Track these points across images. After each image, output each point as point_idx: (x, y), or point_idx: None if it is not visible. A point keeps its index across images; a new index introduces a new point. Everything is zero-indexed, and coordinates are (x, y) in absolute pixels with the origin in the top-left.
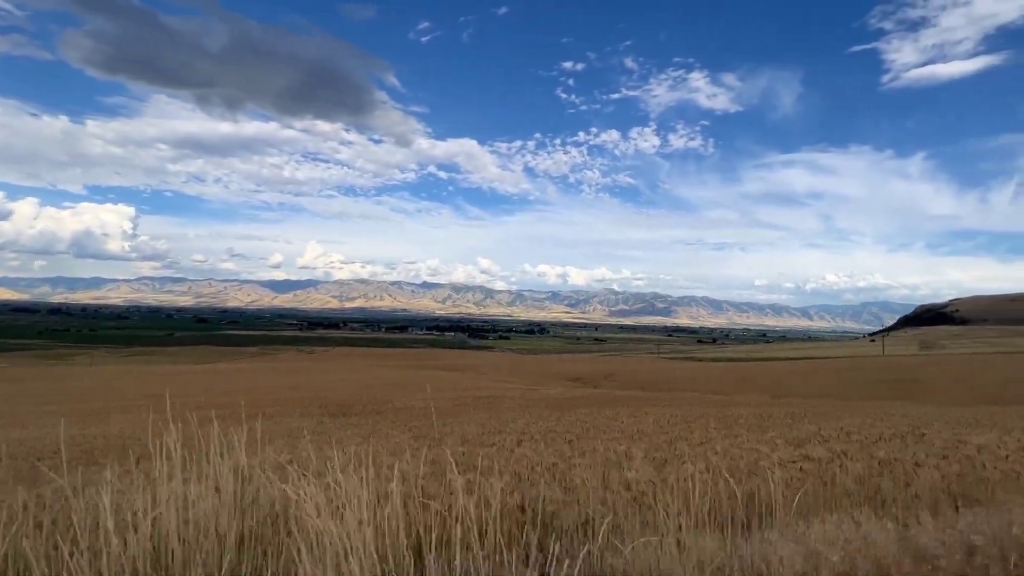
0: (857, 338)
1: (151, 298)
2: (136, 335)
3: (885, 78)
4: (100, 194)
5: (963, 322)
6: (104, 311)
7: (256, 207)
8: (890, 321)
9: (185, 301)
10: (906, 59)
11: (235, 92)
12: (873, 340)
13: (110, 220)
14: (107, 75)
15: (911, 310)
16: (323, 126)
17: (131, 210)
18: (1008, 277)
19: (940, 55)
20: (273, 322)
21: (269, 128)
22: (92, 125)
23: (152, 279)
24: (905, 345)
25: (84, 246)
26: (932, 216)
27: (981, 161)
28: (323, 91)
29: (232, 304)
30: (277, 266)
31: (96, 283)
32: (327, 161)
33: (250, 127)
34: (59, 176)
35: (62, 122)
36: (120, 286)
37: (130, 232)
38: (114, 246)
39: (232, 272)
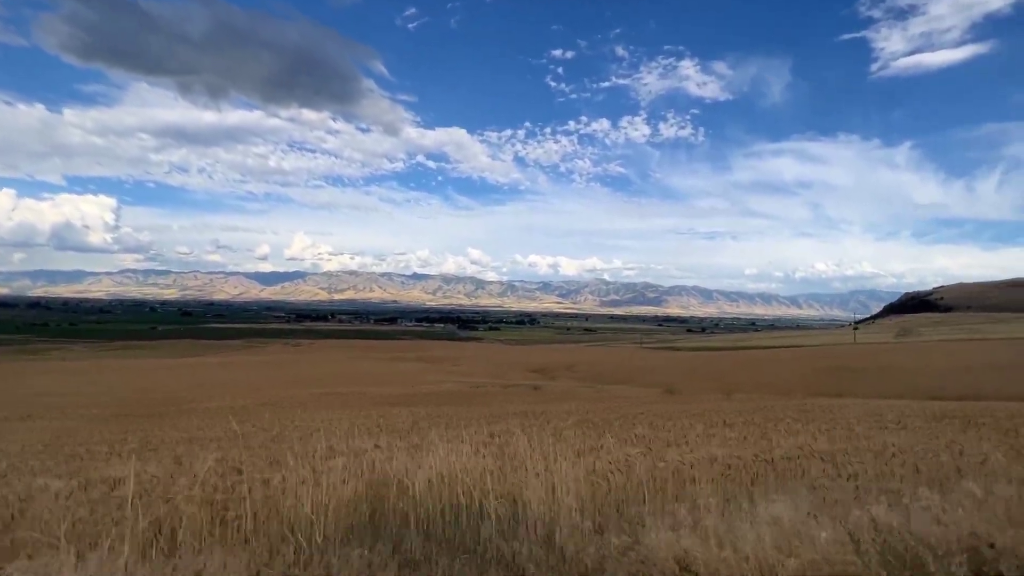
0: (843, 326)
1: (135, 291)
2: (118, 329)
3: (874, 67)
4: (80, 185)
5: (947, 309)
6: (86, 305)
7: (242, 198)
8: (877, 309)
9: (170, 294)
10: (894, 48)
11: (218, 80)
12: (857, 328)
13: (91, 212)
14: (84, 62)
15: (897, 298)
16: (309, 115)
17: (113, 201)
18: (992, 264)
19: (928, 44)
20: (260, 315)
21: (254, 117)
22: (70, 114)
23: (135, 272)
24: (884, 333)
25: (65, 238)
26: (919, 205)
27: (967, 150)
28: (308, 79)
29: (219, 297)
30: (264, 258)
31: (78, 276)
32: (314, 151)
33: (234, 116)
34: (37, 167)
35: (39, 111)
36: (103, 279)
37: (112, 224)
38: (96, 238)
39: (218, 264)
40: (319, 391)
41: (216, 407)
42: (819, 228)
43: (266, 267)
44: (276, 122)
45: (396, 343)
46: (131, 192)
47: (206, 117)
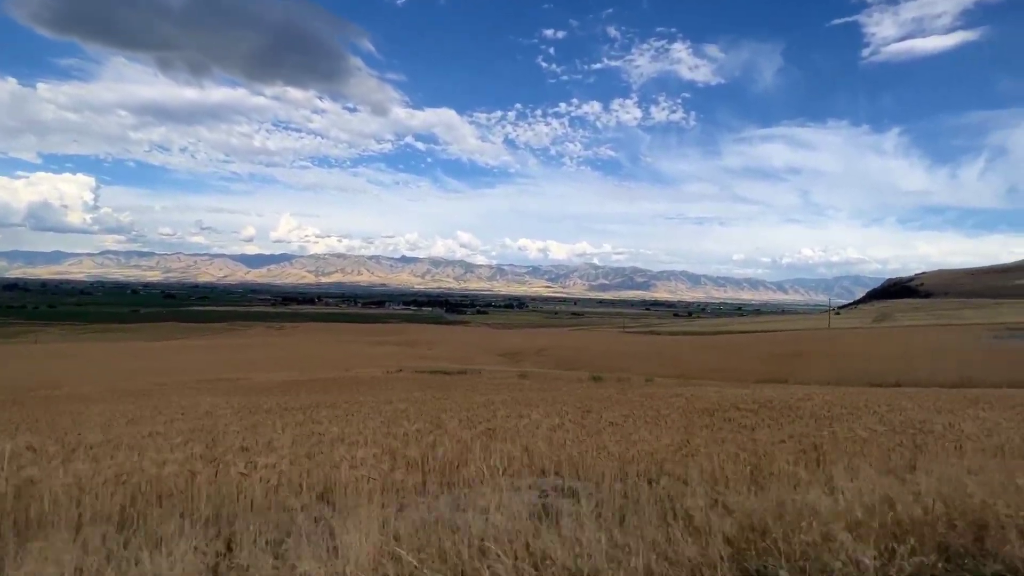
0: (826, 311)
1: (117, 273)
2: (98, 312)
3: (865, 52)
4: (57, 163)
5: (927, 295)
6: (65, 286)
7: (226, 178)
8: (860, 294)
9: (153, 276)
10: (886, 33)
11: (200, 56)
12: (838, 313)
13: (69, 191)
14: (59, 35)
15: (880, 284)
16: (295, 93)
17: (91, 180)
18: (973, 251)
19: (919, 29)
20: (245, 297)
21: (237, 95)
22: (44, 88)
23: (117, 253)
24: (862, 318)
25: (42, 218)
26: (904, 191)
27: (953, 137)
28: (294, 56)
29: (203, 279)
30: (250, 240)
31: (57, 257)
32: (299, 130)
33: (217, 93)
34: (10, 143)
35: (10, 84)
36: (83, 260)
37: (91, 203)
38: (75, 218)
39: (202, 246)
40: (226, 376)
41: (65, 394)
42: (807, 214)
43: (252, 249)
44: (261, 100)
45: (380, 327)
46: (110, 171)
47: (187, 94)
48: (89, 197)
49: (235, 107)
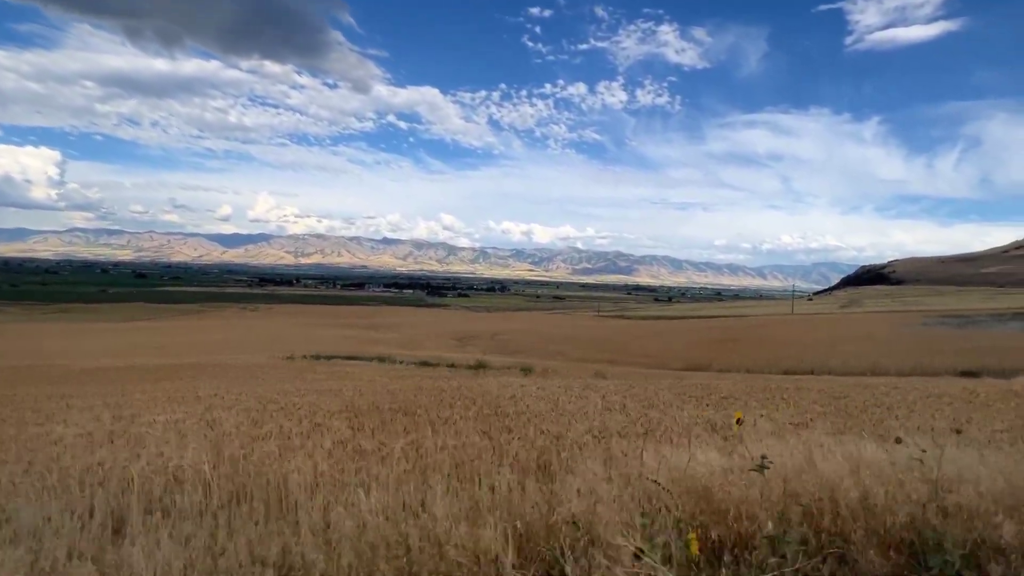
0: (801, 297)
1: (85, 251)
2: (65, 291)
3: (848, 40)
4: (19, 135)
5: (898, 282)
6: (30, 265)
7: (200, 154)
8: (836, 280)
9: (124, 255)
10: (869, 20)
11: (170, 25)
12: (811, 299)
13: (32, 164)
14: None
15: (855, 270)
16: (272, 67)
17: (56, 154)
18: (945, 240)
19: (901, 18)
20: (221, 278)
21: (211, 67)
22: (3, 56)
23: (86, 231)
24: (830, 304)
25: (4, 193)
26: (882, 180)
27: (930, 127)
28: (271, 28)
29: (177, 259)
30: (226, 219)
31: (20, 234)
32: (277, 106)
33: (189, 65)
34: None
35: None
36: (49, 238)
37: (57, 179)
38: (39, 194)
39: (176, 224)
40: (146, 361)
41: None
42: (787, 201)
43: (228, 228)
44: (236, 74)
45: (353, 308)
46: (77, 145)
47: (158, 66)
48: (54, 172)
49: (209, 80)
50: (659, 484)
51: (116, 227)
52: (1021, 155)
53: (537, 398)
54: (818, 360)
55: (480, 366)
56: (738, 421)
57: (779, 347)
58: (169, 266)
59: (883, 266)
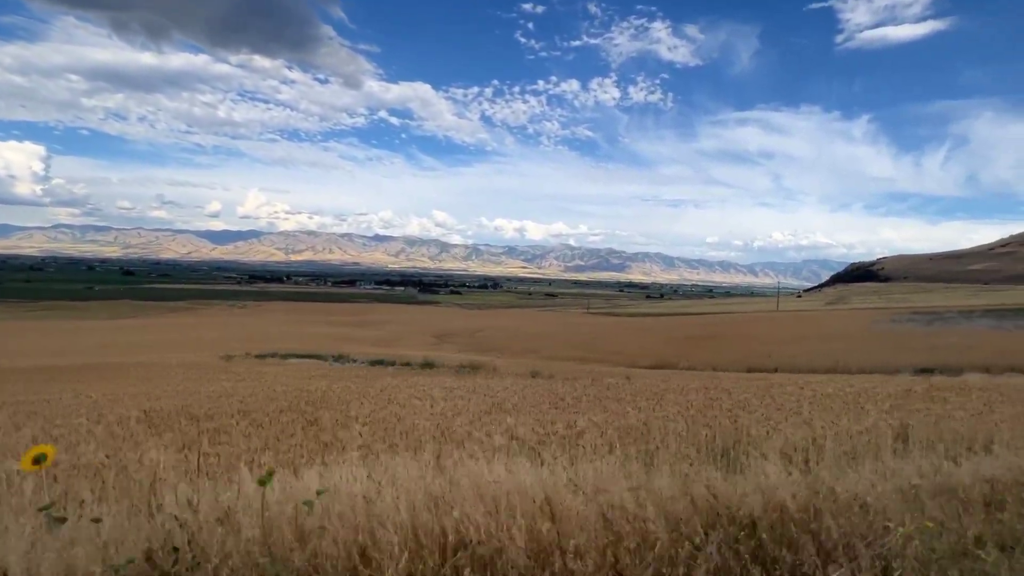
0: (790, 294)
1: (71, 248)
2: (50, 289)
3: (839, 38)
4: (2, 129)
5: (886, 279)
6: (14, 262)
7: (188, 150)
8: (826, 278)
9: (111, 252)
10: (860, 19)
11: (158, 18)
12: (800, 296)
13: (16, 160)
14: None
15: (845, 267)
16: (262, 62)
17: (41, 149)
18: (933, 238)
19: (891, 17)
20: (210, 275)
21: (199, 61)
22: None
23: (72, 227)
24: (817, 301)
25: None
26: (872, 178)
27: (918, 126)
28: (261, 21)
29: (166, 256)
30: (215, 215)
31: (4, 230)
32: (267, 101)
33: (177, 59)
34: None
35: None
36: (34, 234)
37: (41, 174)
38: (23, 189)
39: (164, 221)
40: (85, 360)
41: None
42: (778, 198)
43: (217, 225)
44: (225, 68)
45: (342, 306)
46: (62, 140)
47: (144, 59)
48: (39, 167)
49: (197, 75)
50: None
51: (103, 223)
52: (1007, 154)
53: (400, 404)
54: (785, 357)
55: (428, 365)
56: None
57: (751, 344)
58: (157, 263)
59: (872, 263)
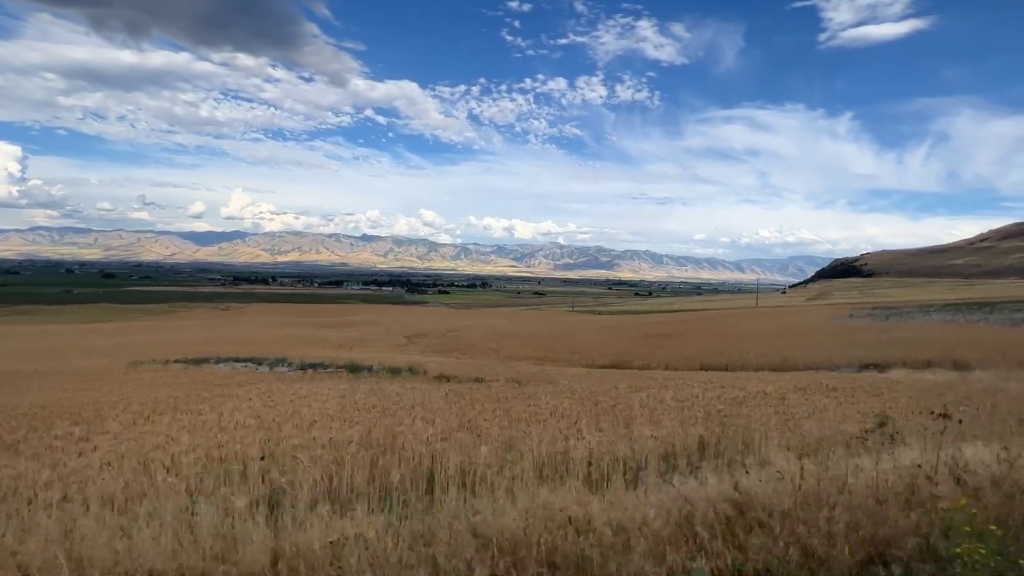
0: (775, 290)
1: (49, 251)
2: (27, 292)
3: (822, 37)
4: None
5: (869, 275)
6: None
7: (170, 150)
8: (812, 274)
9: (91, 254)
10: (842, 18)
11: (137, 15)
12: (784, 292)
13: None
14: None
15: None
16: (245, 60)
17: (17, 149)
18: (915, 233)
19: (872, 16)
20: (193, 277)
21: (180, 59)
22: None
23: (50, 229)
24: (799, 296)
25: None
26: (855, 175)
27: (899, 123)
28: (243, 19)
29: (148, 258)
30: (199, 216)
31: None
32: (251, 100)
33: (157, 57)
34: None
35: None
36: (10, 236)
37: (17, 175)
38: None
39: (146, 222)
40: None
41: None
42: (764, 195)
43: (201, 226)
44: (207, 67)
45: (325, 307)
46: (39, 140)
47: (124, 57)
48: (15, 168)
49: (179, 73)
50: None
51: (82, 225)
52: (985, 150)
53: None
54: (736, 355)
55: (354, 369)
56: None
57: (709, 341)
58: (139, 265)
59: (856, 259)
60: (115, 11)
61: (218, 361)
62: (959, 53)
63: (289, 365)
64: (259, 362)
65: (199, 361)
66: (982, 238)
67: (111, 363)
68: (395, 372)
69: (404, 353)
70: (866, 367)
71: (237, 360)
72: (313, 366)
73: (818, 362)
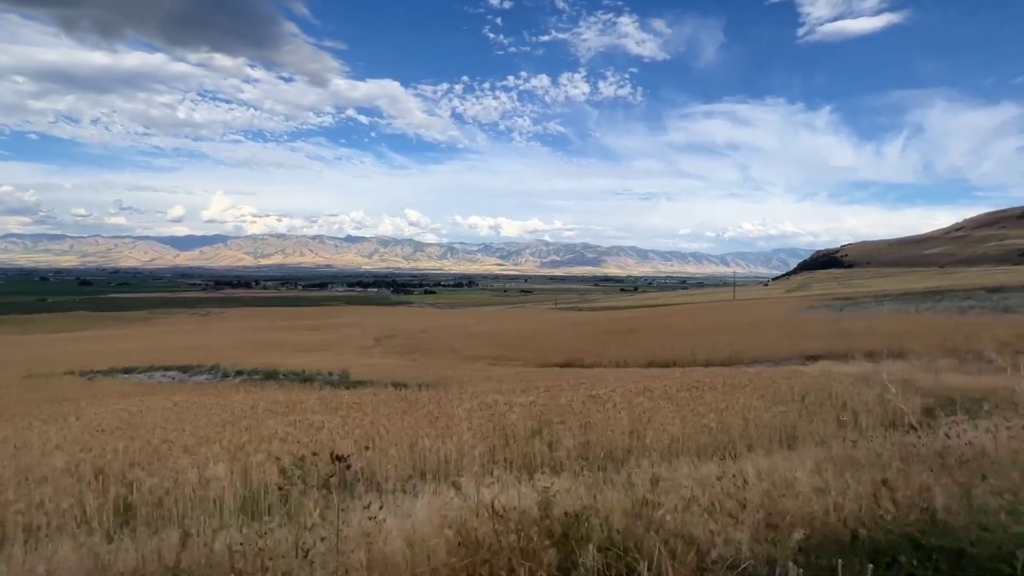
0: (758, 283)
1: (23, 258)
2: None
3: (800, 31)
4: None
5: (850, 265)
6: None
7: (147, 153)
8: (794, 266)
9: (67, 261)
10: (819, 13)
11: (109, 15)
12: (767, 285)
13: None
14: None
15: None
16: (222, 60)
17: None
18: (894, 224)
19: (849, 10)
20: (174, 282)
21: (156, 60)
22: None
23: (22, 237)
24: (780, 289)
25: None
26: (834, 167)
27: (877, 116)
28: (220, 18)
29: (126, 264)
30: (178, 220)
31: None
32: (229, 101)
33: (132, 58)
34: None
35: None
36: None
37: None
38: None
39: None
40: None
41: None
42: (746, 189)
43: (181, 230)
44: (183, 67)
45: (308, 310)
46: (9, 145)
47: (97, 59)
48: None
49: (154, 74)
50: None
51: (57, 231)
52: (959, 141)
53: None
54: (686, 350)
55: (270, 376)
56: None
57: (663, 337)
58: (117, 271)
59: (836, 250)
60: (86, 11)
61: (145, 371)
62: (932, 46)
63: (214, 373)
64: (187, 371)
65: (128, 370)
66: (957, 227)
67: (6, 375)
68: (306, 380)
69: (365, 356)
70: (811, 359)
71: (168, 369)
72: (241, 373)
73: (766, 355)
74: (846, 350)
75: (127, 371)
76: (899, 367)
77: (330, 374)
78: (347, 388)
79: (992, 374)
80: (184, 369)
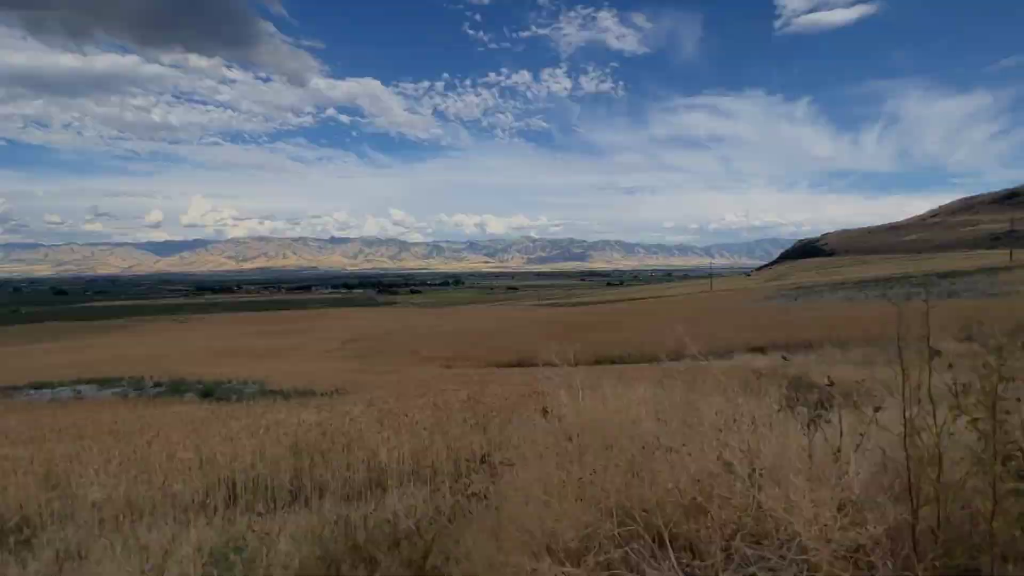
0: (742, 273)
1: None
2: None
3: (777, 23)
4: None
5: (830, 254)
6: None
7: (122, 157)
8: (777, 255)
9: (42, 270)
10: (795, 5)
11: (77, 16)
12: (749, 275)
13: None
14: None
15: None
16: (197, 61)
17: None
18: (873, 211)
19: (824, 2)
20: (154, 289)
21: (128, 62)
22: None
23: None
24: (761, 279)
25: None
26: (814, 157)
27: (854, 106)
28: (193, 18)
29: (104, 271)
30: (156, 225)
31: None
32: (206, 103)
33: (103, 60)
34: None
35: None
36: None
37: None
38: None
39: (100, 234)
40: None
41: None
42: (729, 181)
43: (160, 235)
44: (157, 69)
45: (288, 314)
46: None
47: (66, 61)
48: None
49: (127, 77)
50: None
51: (30, 240)
52: (934, 129)
53: None
54: (634, 345)
55: (175, 389)
56: None
57: (615, 332)
58: (94, 279)
59: (817, 239)
60: (52, 12)
61: (57, 386)
62: (905, 36)
63: (130, 386)
64: (105, 384)
65: (39, 386)
66: (933, 214)
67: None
68: (206, 394)
69: (318, 361)
70: (757, 350)
71: (87, 383)
72: (160, 385)
73: (713, 348)
74: (786, 341)
75: (37, 387)
76: (808, 359)
77: (245, 383)
78: (243, 400)
79: (883, 365)
80: (103, 383)
